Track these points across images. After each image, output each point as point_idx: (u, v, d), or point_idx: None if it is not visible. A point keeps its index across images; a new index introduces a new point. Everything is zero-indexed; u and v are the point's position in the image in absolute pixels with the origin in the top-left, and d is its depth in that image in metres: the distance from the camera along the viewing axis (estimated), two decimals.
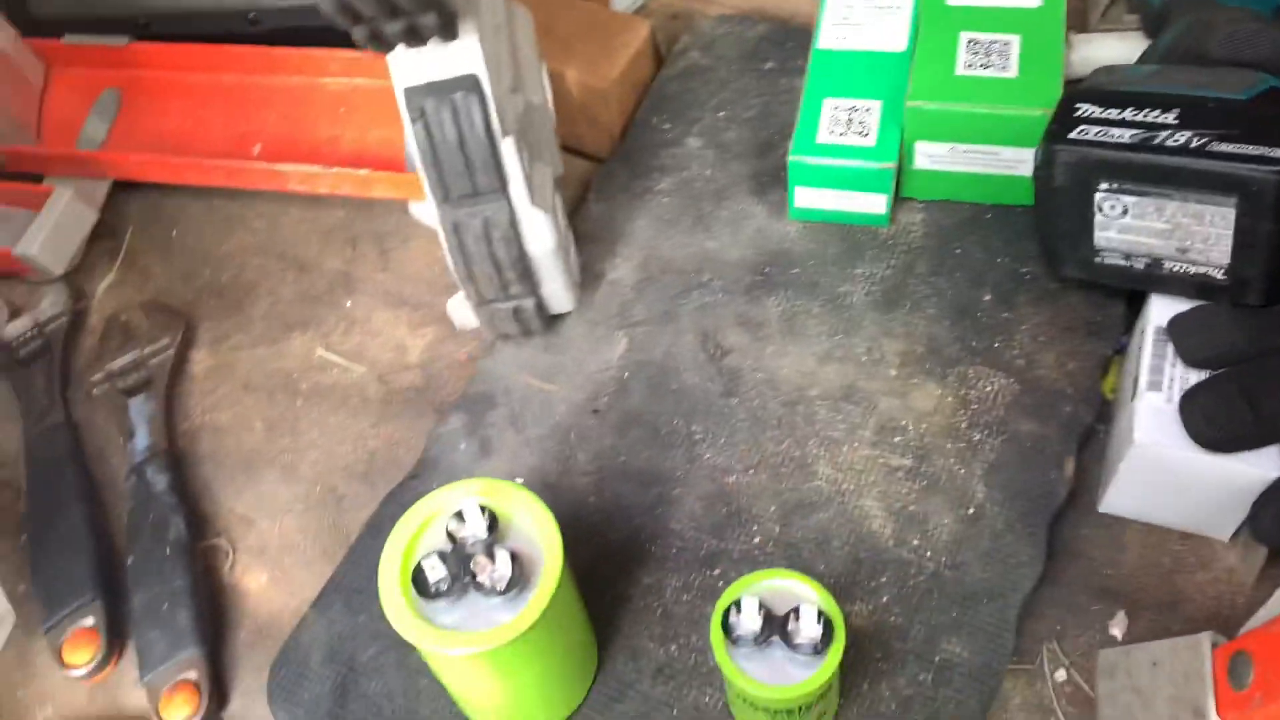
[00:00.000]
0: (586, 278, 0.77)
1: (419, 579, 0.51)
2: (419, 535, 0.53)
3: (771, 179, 0.79)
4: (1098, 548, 0.66)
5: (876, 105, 0.74)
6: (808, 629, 0.51)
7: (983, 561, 0.62)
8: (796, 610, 0.52)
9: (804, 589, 0.53)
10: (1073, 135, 0.61)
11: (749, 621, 0.52)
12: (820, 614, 0.52)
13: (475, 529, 0.52)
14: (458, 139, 0.60)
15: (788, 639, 0.52)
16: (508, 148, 0.62)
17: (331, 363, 0.81)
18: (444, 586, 0.51)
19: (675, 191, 0.81)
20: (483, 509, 0.52)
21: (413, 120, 0.60)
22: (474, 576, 0.51)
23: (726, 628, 0.52)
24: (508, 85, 0.65)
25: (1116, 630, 0.63)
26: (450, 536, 0.52)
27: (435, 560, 0.51)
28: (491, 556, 0.51)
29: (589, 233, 0.80)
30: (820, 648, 0.51)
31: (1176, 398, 0.61)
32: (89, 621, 0.69)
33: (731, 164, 0.81)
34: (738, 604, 0.52)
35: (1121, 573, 0.65)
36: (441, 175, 0.61)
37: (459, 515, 0.53)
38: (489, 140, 0.61)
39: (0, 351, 0.82)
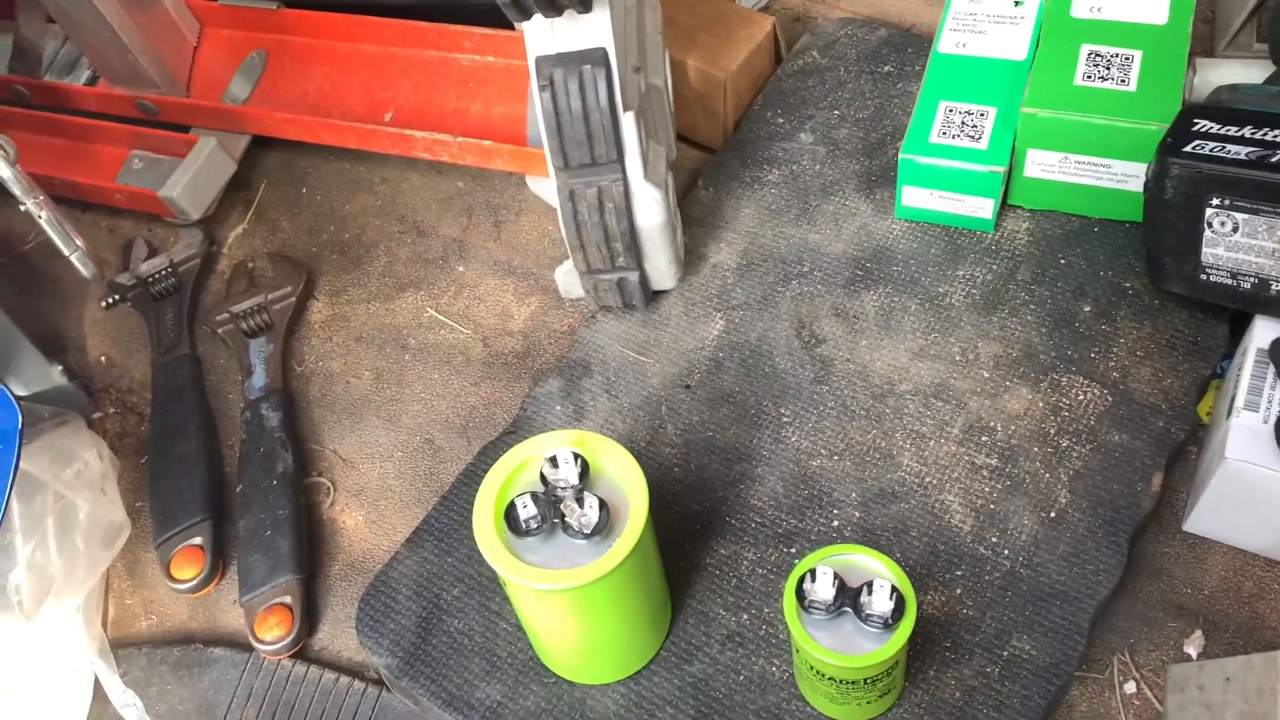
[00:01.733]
0: (690, 259, 0.79)
1: (511, 516, 0.54)
2: (514, 476, 0.56)
3: (880, 178, 0.81)
4: (1179, 566, 0.66)
5: (991, 111, 0.74)
6: (880, 603, 0.53)
7: (1061, 564, 0.62)
8: (870, 584, 0.53)
9: (879, 565, 0.55)
10: (1188, 149, 0.62)
11: (823, 590, 0.53)
12: (893, 590, 0.53)
13: (568, 474, 0.55)
14: (582, 109, 0.63)
15: (859, 611, 0.53)
16: (627, 122, 0.65)
17: (440, 322, 0.85)
18: (534, 525, 0.54)
19: (783, 184, 0.82)
20: (576, 456, 0.55)
21: (541, 88, 0.63)
22: (563, 519, 0.54)
23: (800, 594, 0.54)
24: (632, 64, 0.67)
25: (1192, 649, 0.63)
26: (543, 479, 0.55)
27: (528, 499, 0.54)
28: (581, 502, 0.54)
29: (696, 217, 0.82)
30: (891, 622, 0.52)
31: (1274, 419, 0.60)
32: (197, 540, 0.74)
33: (841, 161, 0.83)
34: (813, 573, 0.54)
35: (1202, 593, 0.65)
36: (563, 143, 0.64)
37: (553, 461, 0.55)
38: (611, 113, 0.63)
39: (136, 285, 0.88)
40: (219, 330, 0.85)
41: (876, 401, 0.71)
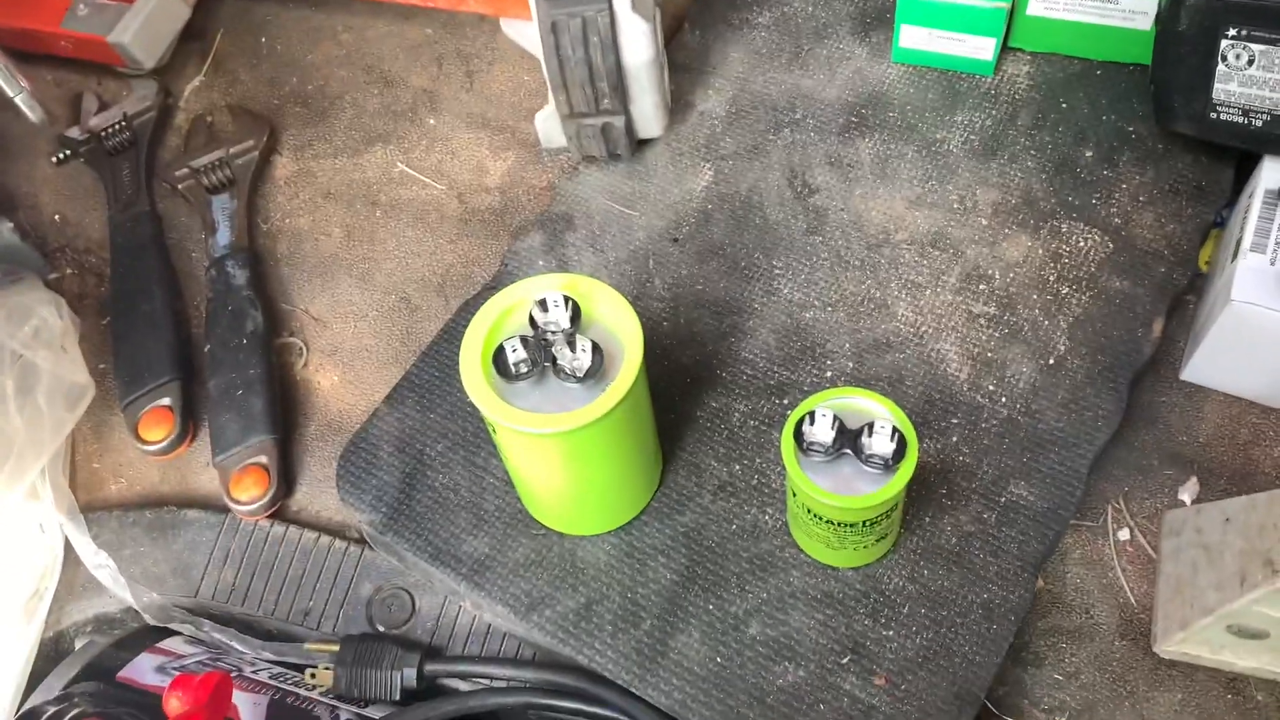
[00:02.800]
0: (676, 107, 0.75)
1: (499, 360, 0.52)
2: (503, 320, 0.54)
3: (875, 19, 0.77)
4: (1176, 414, 0.65)
5: None
6: (880, 444, 0.51)
7: (1059, 411, 0.61)
8: (870, 426, 0.52)
9: (879, 408, 0.53)
10: None
11: (822, 432, 0.52)
12: (895, 431, 0.51)
13: (558, 317, 0.52)
14: None
15: (859, 452, 0.52)
16: None
17: (412, 178, 0.81)
18: (524, 369, 0.51)
19: (774, 26, 0.78)
20: (566, 299, 0.52)
21: None
22: (554, 362, 0.51)
23: (798, 437, 0.52)
24: None
25: (1186, 496, 0.63)
26: (533, 323, 0.53)
27: (517, 343, 0.52)
28: (573, 345, 0.52)
29: (683, 63, 0.78)
30: (892, 464, 0.51)
31: None
32: (165, 401, 0.71)
33: (834, 2, 0.79)
34: (811, 415, 0.52)
35: (1197, 441, 0.64)
36: None
37: (542, 304, 0.53)
38: None
39: (89, 140, 0.83)
40: (179, 186, 0.81)
41: (871, 251, 0.68)
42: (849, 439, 0.52)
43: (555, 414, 0.50)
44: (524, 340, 0.52)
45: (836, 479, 0.52)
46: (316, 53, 0.88)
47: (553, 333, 0.52)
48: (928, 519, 0.59)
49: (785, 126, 0.74)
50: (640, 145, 0.74)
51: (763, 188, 0.72)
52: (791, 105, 0.75)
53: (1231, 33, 0.59)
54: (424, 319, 0.75)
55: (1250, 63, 0.59)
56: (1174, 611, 0.57)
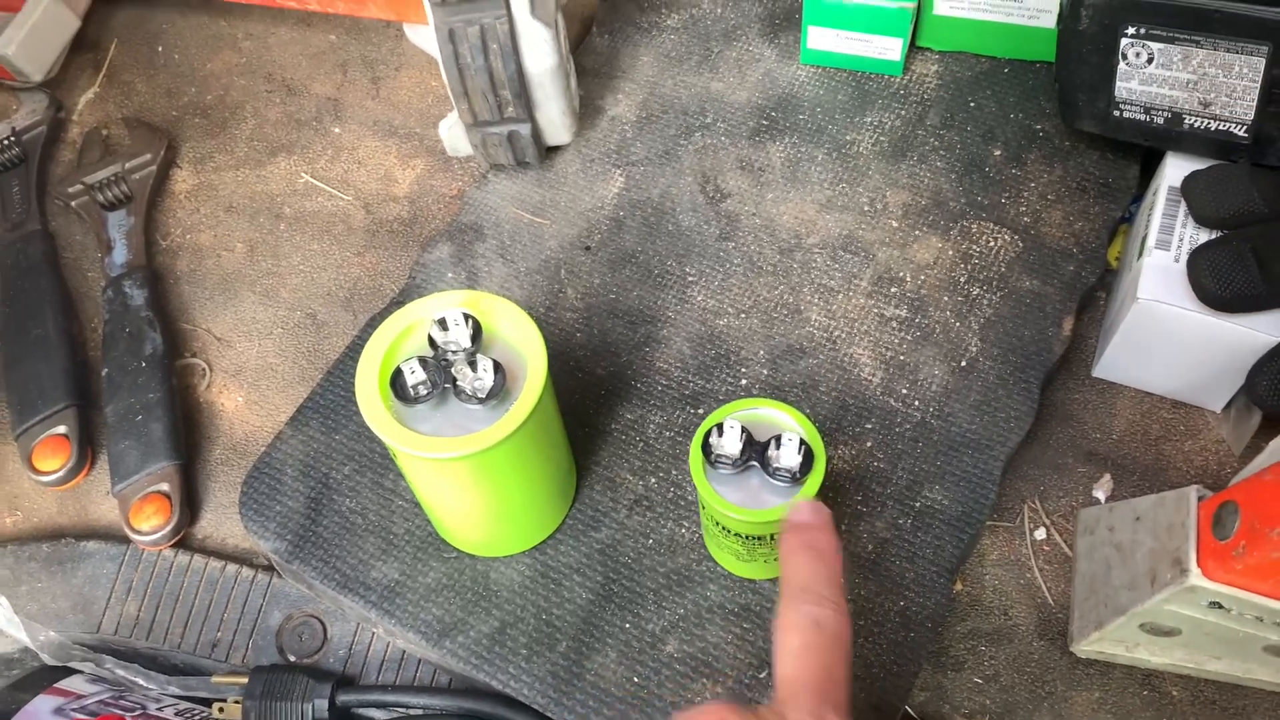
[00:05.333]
0: (586, 113, 0.74)
1: (398, 383, 0.50)
2: (400, 341, 0.52)
3: (784, 21, 0.76)
4: (1088, 412, 0.65)
5: None
6: (788, 457, 0.50)
7: (971, 413, 0.61)
8: (778, 438, 0.51)
9: (788, 419, 0.52)
10: None
11: (729, 444, 0.51)
12: (802, 444, 0.51)
13: (458, 337, 0.51)
14: None
15: (766, 465, 0.51)
16: None
17: (317, 189, 0.79)
18: (423, 391, 0.50)
19: (683, 29, 0.77)
20: (466, 317, 0.51)
21: None
22: (455, 383, 0.50)
23: (706, 450, 0.51)
24: None
25: (1100, 493, 0.63)
26: (432, 343, 0.51)
27: (415, 364, 0.50)
28: (474, 365, 0.50)
29: (591, 67, 0.76)
30: (799, 477, 0.50)
31: (1184, 258, 0.59)
32: (61, 429, 0.68)
33: (743, 3, 0.78)
34: (719, 427, 0.51)
35: (1110, 438, 0.64)
36: None
37: (441, 323, 0.51)
38: None
39: None
40: (72, 203, 0.77)
41: (784, 256, 0.68)
42: (757, 451, 0.51)
43: (457, 437, 0.48)
44: (423, 361, 0.50)
45: (744, 491, 0.51)
46: (216, 62, 0.85)
47: (453, 352, 0.51)
48: (844, 527, 0.58)
49: (696, 130, 0.73)
50: (550, 152, 0.73)
51: (674, 193, 0.71)
52: (702, 109, 0.74)
53: (1131, 31, 0.59)
54: (330, 335, 0.72)
55: (1150, 61, 0.59)
56: (1089, 611, 0.57)
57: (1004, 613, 0.60)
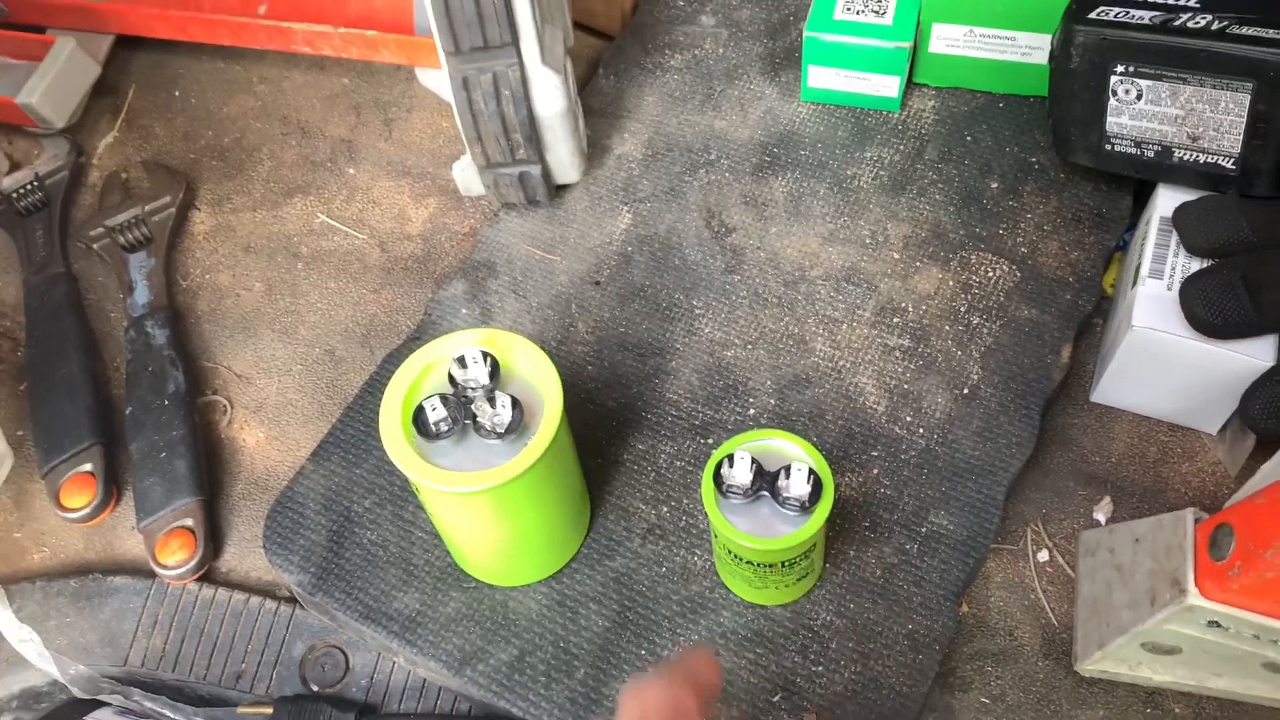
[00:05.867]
0: (593, 152, 0.76)
1: (420, 420, 0.52)
2: (421, 378, 0.54)
3: (785, 59, 0.79)
4: (1087, 436, 0.67)
5: None
6: (797, 486, 0.52)
7: (974, 440, 0.63)
8: (787, 468, 0.53)
9: (796, 449, 0.54)
10: (1092, 15, 0.61)
11: (740, 475, 0.53)
12: (810, 473, 0.52)
13: (477, 374, 0.53)
14: None
15: (776, 495, 0.52)
16: (521, 2, 0.61)
17: (333, 228, 0.81)
18: (444, 427, 0.52)
19: (686, 69, 0.80)
20: (485, 355, 0.53)
21: None
22: (474, 419, 0.52)
23: (718, 480, 0.53)
24: None
25: (1101, 515, 0.64)
26: (452, 380, 0.53)
27: (436, 401, 0.52)
28: (493, 401, 0.52)
29: (598, 108, 0.79)
30: (808, 505, 0.52)
31: (1177, 286, 0.61)
32: (86, 467, 0.70)
33: (745, 43, 0.80)
34: (730, 458, 0.53)
35: (1109, 461, 0.66)
36: (452, 24, 0.60)
37: (461, 361, 0.53)
38: None
39: (0, 202, 0.82)
40: (94, 246, 0.80)
41: (788, 288, 0.70)
42: (767, 481, 0.53)
43: (477, 472, 0.50)
44: (443, 398, 0.52)
45: (755, 520, 0.53)
46: (232, 105, 0.88)
47: (472, 389, 0.53)
48: (852, 552, 0.60)
49: (700, 167, 0.75)
50: (559, 190, 0.75)
51: (681, 229, 0.73)
52: (706, 146, 0.76)
53: (1120, 69, 0.61)
54: (349, 371, 0.74)
55: (1139, 97, 0.61)
56: (1092, 631, 0.59)
57: (1009, 634, 0.61)
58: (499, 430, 0.51)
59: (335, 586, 0.62)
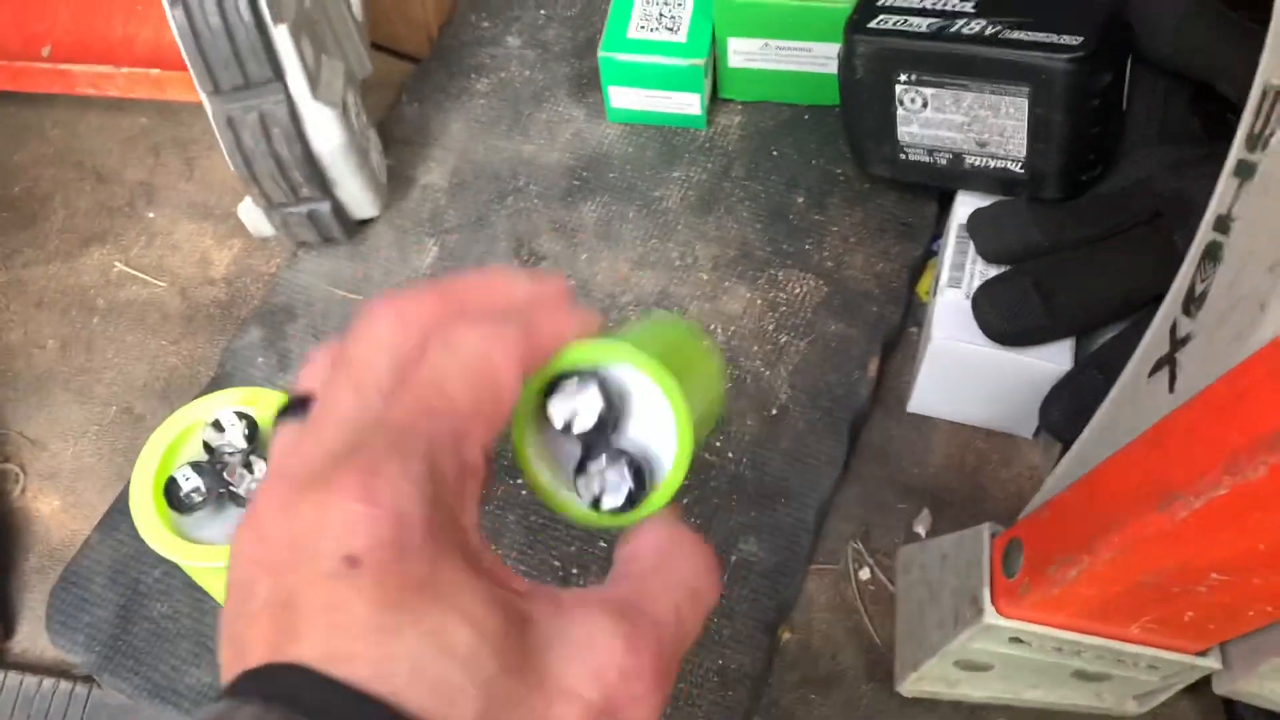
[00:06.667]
0: (397, 182, 0.74)
1: (171, 491, 0.49)
2: (176, 447, 0.51)
3: (591, 80, 0.77)
4: (905, 447, 0.66)
5: (688, 0, 0.71)
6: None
7: (782, 461, 0.61)
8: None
9: None
10: (872, 25, 0.60)
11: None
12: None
13: (233, 438, 0.50)
14: (223, 25, 0.56)
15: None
16: (281, 36, 0.58)
17: (131, 277, 0.77)
18: (198, 499, 0.49)
19: (493, 93, 0.77)
20: (240, 416, 0.50)
21: (170, 3, 0.55)
22: (228, 488, 0.49)
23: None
24: None
25: (920, 528, 0.64)
26: (207, 447, 0.50)
27: (189, 471, 0.49)
28: (250, 467, 0.49)
29: (402, 135, 0.76)
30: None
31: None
32: None
33: (551, 64, 0.78)
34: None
35: (927, 471, 0.65)
36: (208, 64, 0.57)
37: (217, 425, 0.50)
38: (258, 27, 0.57)
39: None
40: None
41: (600, 316, 0.68)
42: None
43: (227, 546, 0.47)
44: (197, 466, 0.49)
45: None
46: (23, 153, 0.83)
47: (229, 454, 0.50)
48: None
49: (509, 195, 0.73)
50: (360, 225, 0.72)
51: (490, 260, 0.71)
52: (514, 173, 0.74)
53: (903, 78, 0.60)
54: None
55: (925, 105, 0.61)
56: (908, 652, 0.57)
57: (833, 657, 0.60)
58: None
59: (124, 665, 0.58)
